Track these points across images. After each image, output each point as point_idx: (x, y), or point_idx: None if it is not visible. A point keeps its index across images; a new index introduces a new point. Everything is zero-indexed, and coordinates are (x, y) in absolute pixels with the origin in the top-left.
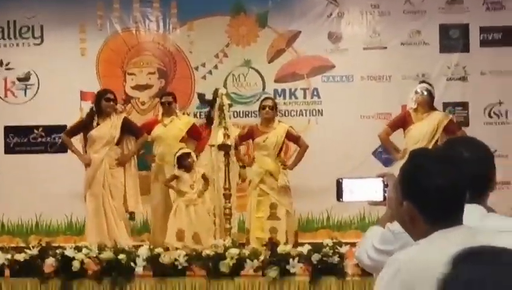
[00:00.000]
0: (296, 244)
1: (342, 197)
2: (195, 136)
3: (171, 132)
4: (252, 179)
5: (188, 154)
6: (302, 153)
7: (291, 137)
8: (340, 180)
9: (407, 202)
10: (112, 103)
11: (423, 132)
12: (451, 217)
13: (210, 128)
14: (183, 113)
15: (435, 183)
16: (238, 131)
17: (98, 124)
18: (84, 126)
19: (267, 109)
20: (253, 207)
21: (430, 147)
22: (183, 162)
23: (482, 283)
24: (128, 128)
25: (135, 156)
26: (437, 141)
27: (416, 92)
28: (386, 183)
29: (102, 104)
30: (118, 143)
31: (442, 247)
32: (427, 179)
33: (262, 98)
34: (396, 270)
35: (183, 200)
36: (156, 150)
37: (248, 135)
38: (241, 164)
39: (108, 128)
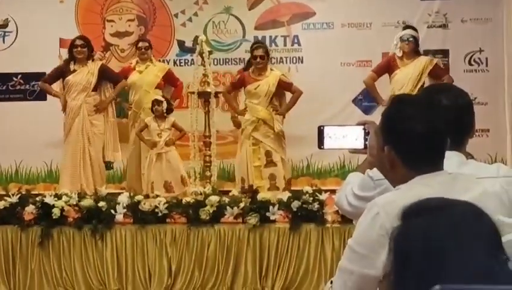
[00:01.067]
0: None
1: (323, 145)
2: (172, 82)
3: (146, 78)
4: (245, 128)
5: (159, 102)
6: (294, 99)
7: (284, 85)
8: (322, 128)
9: (388, 147)
10: (80, 48)
11: (408, 77)
12: (431, 163)
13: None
14: (159, 60)
15: (415, 128)
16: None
17: (75, 71)
18: (61, 73)
19: (258, 58)
20: (249, 156)
21: (415, 91)
22: (153, 109)
23: (430, 236)
24: (105, 75)
25: (113, 105)
26: (423, 85)
27: (401, 39)
28: (367, 131)
29: (72, 51)
30: (96, 90)
31: (421, 192)
32: (408, 124)
33: (253, 46)
34: (375, 214)
35: (153, 152)
36: (132, 98)
37: (240, 83)
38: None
39: (84, 74)
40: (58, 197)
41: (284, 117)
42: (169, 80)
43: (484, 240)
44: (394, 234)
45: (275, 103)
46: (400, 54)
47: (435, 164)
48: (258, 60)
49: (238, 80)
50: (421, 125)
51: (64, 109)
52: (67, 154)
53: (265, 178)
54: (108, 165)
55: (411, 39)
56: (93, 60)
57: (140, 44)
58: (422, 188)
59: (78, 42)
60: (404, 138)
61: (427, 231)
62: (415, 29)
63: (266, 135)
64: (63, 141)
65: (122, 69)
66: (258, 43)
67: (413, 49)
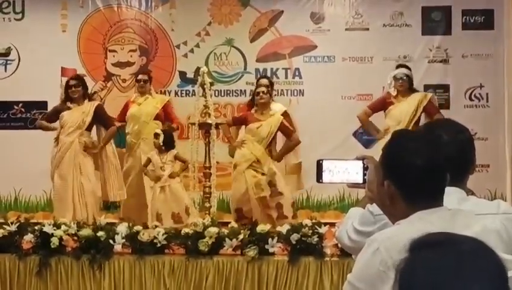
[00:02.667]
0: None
1: (321, 179)
2: (168, 117)
3: (145, 109)
4: (240, 164)
5: (156, 135)
6: (291, 147)
7: (284, 129)
8: (321, 162)
9: (388, 181)
10: (74, 88)
11: (404, 113)
12: (431, 198)
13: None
14: (161, 92)
15: (415, 163)
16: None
17: (70, 108)
18: (58, 112)
19: (261, 94)
20: (251, 188)
21: (411, 126)
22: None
23: (437, 271)
24: (99, 118)
25: (113, 145)
26: (418, 120)
27: (395, 78)
28: (366, 165)
29: (68, 91)
30: (91, 129)
31: (421, 228)
32: (408, 159)
33: (256, 83)
34: (375, 250)
35: (157, 185)
36: (130, 129)
37: (241, 120)
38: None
39: (79, 114)
40: (57, 226)
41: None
42: (166, 114)
43: (489, 276)
44: (400, 266)
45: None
46: (394, 93)
47: (435, 199)
48: (261, 95)
49: (240, 117)
50: (422, 161)
51: (57, 140)
52: (57, 188)
53: (272, 207)
54: (115, 204)
55: (405, 78)
56: (89, 99)
57: (140, 76)
58: (422, 223)
59: (72, 82)
60: (405, 172)
61: (432, 264)
62: (408, 67)
63: (261, 171)
64: (51, 173)
65: (124, 105)
66: (260, 79)
67: (407, 88)
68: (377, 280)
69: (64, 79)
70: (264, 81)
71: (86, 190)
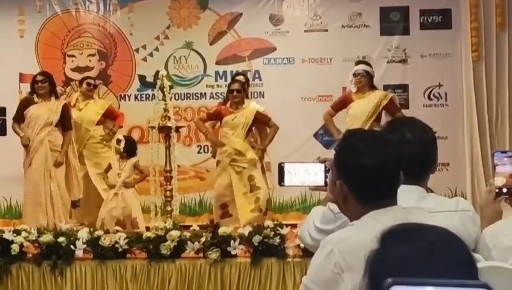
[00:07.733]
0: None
1: (283, 182)
2: (113, 116)
3: (86, 115)
4: (222, 160)
5: (118, 141)
6: (271, 134)
7: (261, 118)
8: (282, 165)
9: (340, 181)
10: (40, 84)
11: (362, 110)
12: (383, 198)
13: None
14: (120, 95)
15: (365, 163)
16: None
17: (37, 103)
18: (26, 106)
19: (234, 92)
20: (235, 185)
21: (368, 124)
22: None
23: (408, 260)
24: (64, 117)
25: (73, 145)
26: (377, 119)
27: (355, 75)
28: (327, 168)
29: (34, 87)
30: (57, 126)
31: (374, 228)
32: (357, 159)
33: (231, 80)
34: (329, 252)
35: (111, 191)
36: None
37: (216, 115)
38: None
39: (46, 110)
40: (17, 232)
41: (264, 150)
42: (109, 115)
43: (460, 263)
44: (370, 257)
45: (251, 138)
46: (354, 89)
47: (386, 199)
48: (235, 93)
49: (214, 112)
50: (371, 161)
51: (26, 146)
52: (28, 189)
53: (252, 203)
54: (75, 204)
55: (364, 73)
56: (56, 97)
57: (89, 80)
58: (375, 223)
59: (39, 78)
60: (355, 172)
61: (403, 254)
62: (368, 63)
63: (243, 163)
64: (24, 174)
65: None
66: (236, 75)
67: (367, 83)
68: (331, 282)
69: (23, 85)
70: (240, 77)
71: (58, 194)
